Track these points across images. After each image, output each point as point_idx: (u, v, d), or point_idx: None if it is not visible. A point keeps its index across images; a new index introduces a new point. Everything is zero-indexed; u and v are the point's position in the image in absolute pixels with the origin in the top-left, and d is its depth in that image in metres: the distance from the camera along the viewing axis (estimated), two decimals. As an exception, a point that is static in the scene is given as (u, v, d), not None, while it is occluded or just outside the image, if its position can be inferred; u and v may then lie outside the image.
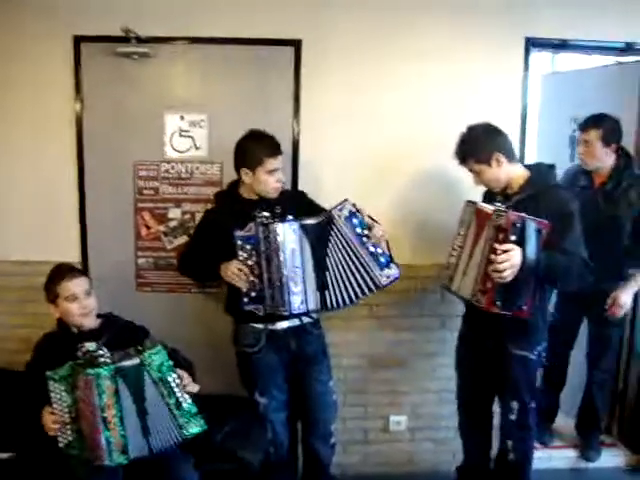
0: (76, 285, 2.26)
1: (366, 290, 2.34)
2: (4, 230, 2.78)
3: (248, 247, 2.27)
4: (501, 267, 2.11)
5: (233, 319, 2.51)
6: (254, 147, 2.35)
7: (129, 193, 2.77)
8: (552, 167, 2.42)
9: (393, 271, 2.33)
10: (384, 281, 2.33)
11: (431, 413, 3.00)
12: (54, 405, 2.04)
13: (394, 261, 2.34)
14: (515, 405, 2.42)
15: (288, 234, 2.26)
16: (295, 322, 2.44)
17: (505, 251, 2.11)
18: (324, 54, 2.72)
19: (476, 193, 2.52)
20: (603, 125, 2.75)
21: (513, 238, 2.11)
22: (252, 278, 2.29)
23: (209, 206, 2.72)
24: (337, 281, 2.33)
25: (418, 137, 2.79)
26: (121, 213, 2.78)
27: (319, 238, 2.31)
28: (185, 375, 2.18)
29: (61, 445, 2.05)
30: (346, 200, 2.33)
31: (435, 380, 2.96)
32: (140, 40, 2.63)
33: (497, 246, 2.13)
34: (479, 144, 2.32)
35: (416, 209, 2.84)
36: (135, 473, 2.09)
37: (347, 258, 2.32)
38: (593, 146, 2.78)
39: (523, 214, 2.13)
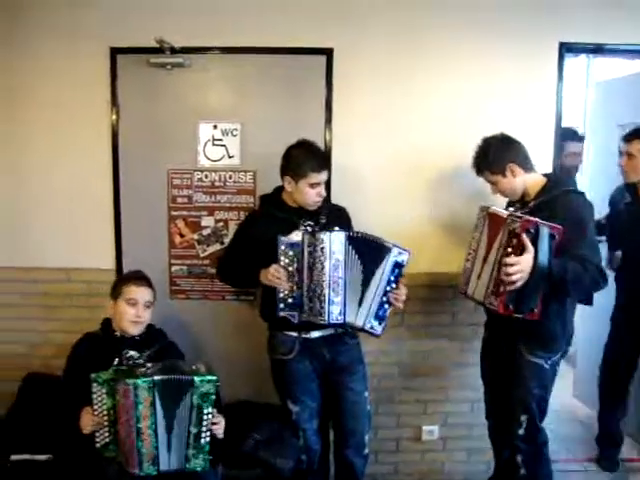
0: (141, 292, 2.31)
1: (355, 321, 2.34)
2: (41, 238, 2.83)
3: (291, 253, 2.28)
4: (511, 270, 2.09)
5: (268, 326, 2.52)
6: (302, 158, 2.36)
7: (163, 201, 2.80)
8: (571, 177, 2.40)
9: (379, 328, 2.34)
10: (366, 326, 2.32)
11: (464, 423, 2.97)
12: (95, 406, 2.08)
13: (384, 324, 2.34)
14: (524, 418, 2.38)
15: (335, 244, 2.26)
16: (329, 331, 2.43)
17: (517, 256, 2.10)
18: (356, 62, 2.73)
19: (502, 200, 2.51)
20: None
21: (527, 242, 2.09)
22: (290, 284, 2.30)
23: (242, 214, 2.76)
24: (369, 302, 2.34)
25: (449, 146, 2.77)
26: (155, 221, 2.82)
27: (372, 258, 2.31)
28: (218, 416, 2.17)
29: (98, 445, 2.08)
30: (408, 251, 2.33)
31: (468, 389, 2.92)
32: (174, 50, 2.67)
33: (509, 250, 2.13)
34: (493, 156, 2.34)
35: (448, 217, 2.83)
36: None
37: (374, 288, 2.33)
38: (637, 159, 2.73)
39: (537, 219, 2.12)
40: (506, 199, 2.51)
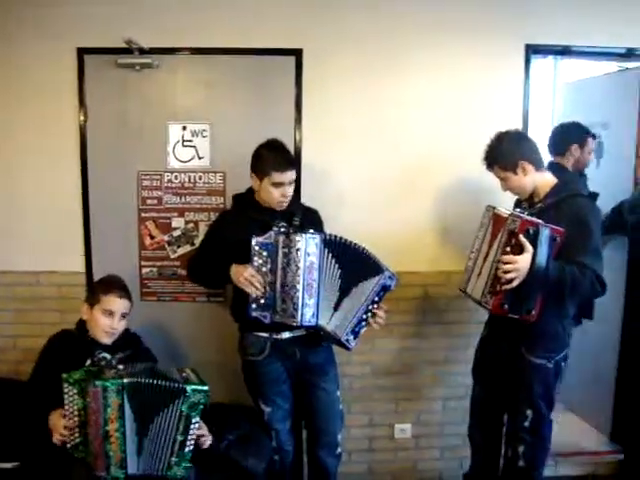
0: (119, 304, 2.27)
1: (335, 330, 2.34)
2: (9, 240, 2.79)
3: (264, 254, 2.27)
4: (506, 268, 2.12)
5: (238, 327, 2.51)
6: (267, 157, 2.35)
7: (133, 203, 2.78)
8: (582, 175, 2.40)
9: (351, 342, 2.33)
10: (342, 338, 2.31)
11: (436, 421, 2.99)
12: (66, 407, 2.03)
13: (357, 340, 2.34)
14: (529, 413, 2.39)
15: (310, 246, 2.26)
16: (300, 332, 2.43)
17: (514, 255, 2.12)
18: (325, 63, 2.74)
19: (486, 202, 2.51)
20: None
21: (525, 243, 2.11)
22: (263, 286, 2.29)
23: (212, 215, 2.76)
24: (346, 308, 2.34)
25: (417, 145, 2.81)
26: (125, 223, 2.79)
27: (351, 262, 2.32)
28: (205, 428, 2.16)
29: (69, 446, 2.05)
30: (396, 278, 2.34)
31: (440, 387, 2.95)
32: (142, 51, 2.65)
33: (507, 249, 2.15)
34: (506, 151, 2.32)
35: (413, 213, 2.86)
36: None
37: (355, 298, 2.33)
38: None
39: (538, 220, 2.14)
40: (514, 198, 2.51)
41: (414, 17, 2.75)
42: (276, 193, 2.35)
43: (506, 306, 2.18)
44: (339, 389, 2.58)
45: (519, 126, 2.79)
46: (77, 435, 2.04)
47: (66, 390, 2.03)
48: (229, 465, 2.41)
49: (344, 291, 2.33)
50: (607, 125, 3.24)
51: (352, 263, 2.32)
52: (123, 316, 2.29)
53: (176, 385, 2.03)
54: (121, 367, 2.10)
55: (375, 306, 2.33)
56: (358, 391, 2.94)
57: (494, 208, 2.36)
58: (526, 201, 2.40)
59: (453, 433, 2.92)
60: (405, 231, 2.84)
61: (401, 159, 2.81)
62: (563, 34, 2.77)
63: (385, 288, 2.33)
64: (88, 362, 2.21)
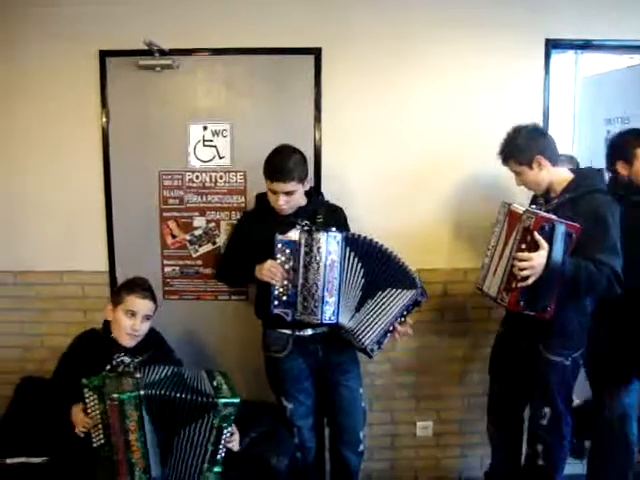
0: (142, 305, 2.27)
1: (356, 332, 2.35)
2: (33, 241, 2.84)
3: (287, 251, 2.29)
4: (522, 265, 2.11)
5: (262, 324, 2.53)
6: (266, 162, 2.39)
7: (155, 203, 2.81)
8: (600, 171, 2.39)
9: (375, 352, 2.36)
10: (367, 345, 2.33)
11: (458, 419, 2.99)
12: (88, 409, 2.05)
13: (380, 349, 2.37)
14: (547, 411, 2.38)
15: (331, 244, 2.27)
16: (323, 329, 2.44)
17: (530, 251, 2.11)
18: (344, 61, 2.74)
19: (502, 198, 2.50)
20: None
21: (540, 240, 2.10)
22: (285, 282, 2.31)
23: (234, 214, 2.79)
24: (370, 312, 2.34)
25: (435, 142, 2.80)
26: (147, 222, 2.82)
27: (377, 265, 2.32)
28: (236, 432, 2.14)
29: (95, 445, 2.06)
30: (427, 293, 2.38)
31: (461, 385, 2.94)
32: (163, 52, 2.68)
33: (523, 247, 2.14)
34: (522, 146, 2.31)
35: (434, 212, 2.86)
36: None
37: (379, 302, 2.34)
38: None
39: (553, 216, 2.12)
40: (531, 194, 2.50)
41: (432, 15, 2.74)
42: (272, 199, 2.39)
43: (522, 303, 2.17)
44: (362, 387, 2.58)
45: (539, 122, 2.77)
46: (102, 436, 2.06)
47: (86, 395, 2.04)
48: (252, 462, 2.41)
49: (367, 292, 2.33)
50: (627, 119, 3.21)
51: (379, 265, 2.32)
52: (147, 318, 2.28)
53: (205, 400, 1.98)
54: (138, 375, 2.05)
55: (402, 319, 2.34)
56: (379, 389, 2.94)
57: (509, 204, 2.34)
58: (542, 197, 2.38)
59: (474, 431, 2.91)
60: (422, 228, 2.84)
61: (419, 156, 2.81)
62: (583, 28, 2.74)
63: (416, 304, 2.35)
64: (108, 367, 2.21)
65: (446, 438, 3.01)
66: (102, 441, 2.06)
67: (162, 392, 1.96)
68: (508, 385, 2.53)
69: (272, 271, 2.29)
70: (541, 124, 2.78)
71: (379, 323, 2.32)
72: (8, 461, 2.37)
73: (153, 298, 2.33)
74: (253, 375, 2.69)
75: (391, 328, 2.33)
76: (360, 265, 2.32)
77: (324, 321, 2.31)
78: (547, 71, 2.77)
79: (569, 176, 2.34)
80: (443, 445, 3.01)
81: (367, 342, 2.32)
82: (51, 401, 2.24)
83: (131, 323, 2.24)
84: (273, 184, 2.33)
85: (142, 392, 1.95)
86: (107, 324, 2.32)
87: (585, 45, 2.78)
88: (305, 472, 2.58)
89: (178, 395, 1.97)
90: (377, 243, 2.32)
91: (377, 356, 2.82)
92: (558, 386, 2.36)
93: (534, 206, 2.31)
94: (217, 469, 2.07)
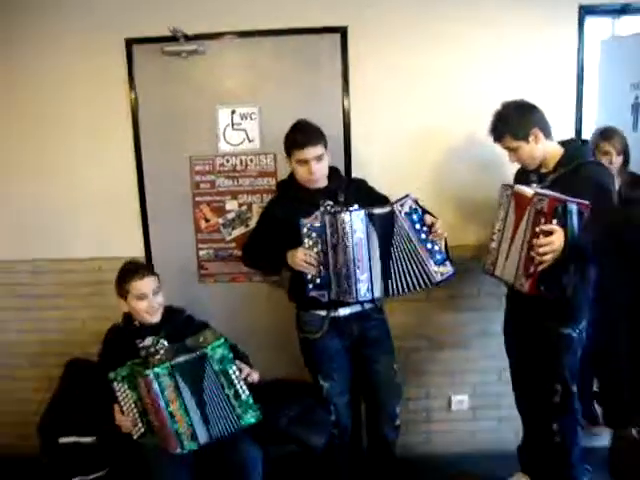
0: (146, 284, 2.35)
1: (422, 284, 2.36)
2: (70, 229, 2.92)
3: (314, 235, 2.31)
4: (542, 250, 2.09)
5: (296, 306, 2.57)
6: (289, 137, 2.41)
7: (187, 187, 2.85)
8: (585, 142, 2.38)
9: (448, 269, 2.36)
10: (438, 277, 2.35)
11: (493, 392, 3.00)
12: (122, 404, 2.17)
13: (450, 259, 2.36)
14: (558, 387, 2.38)
15: (356, 223, 2.28)
16: (357, 308, 2.47)
17: (547, 235, 2.08)
18: (370, 39, 2.71)
19: (511, 169, 2.50)
20: None
21: (555, 222, 2.07)
22: (318, 266, 2.33)
23: (265, 196, 2.80)
24: (398, 271, 2.35)
25: (470, 116, 2.73)
26: (180, 207, 2.87)
27: (385, 228, 2.33)
28: (244, 366, 2.26)
29: (135, 437, 2.18)
30: (407, 196, 2.34)
31: (495, 359, 2.93)
32: (188, 38, 2.68)
33: (538, 229, 2.11)
34: (517, 120, 2.28)
35: (460, 189, 2.83)
36: (203, 455, 2.22)
37: (406, 251, 2.34)
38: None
39: (564, 197, 2.09)
40: (515, 168, 2.49)
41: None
42: (302, 170, 2.38)
43: (542, 287, 2.15)
44: (396, 362, 2.61)
45: (573, 91, 2.73)
46: (140, 425, 2.17)
47: (117, 388, 2.16)
48: (290, 440, 2.49)
49: (385, 256, 2.33)
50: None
51: (384, 227, 2.32)
52: (156, 291, 2.38)
53: (197, 353, 2.15)
54: (162, 352, 2.22)
55: (424, 229, 2.33)
56: (415, 364, 2.98)
57: (513, 187, 2.31)
58: (534, 172, 2.36)
59: (509, 404, 2.90)
60: (455, 202, 2.83)
61: (452, 126, 2.77)
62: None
63: (410, 214, 2.33)
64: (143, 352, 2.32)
65: (482, 411, 3.04)
66: (142, 430, 2.17)
67: (181, 359, 2.13)
68: (522, 361, 2.55)
69: (306, 260, 2.31)
70: (575, 93, 2.73)
71: (416, 260, 2.33)
72: (61, 440, 2.50)
73: (151, 272, 2.44)
74: (289, 355, 2.73)
75: (429, 246, 2.33)
76: (377, 235, 2.32)
77: (360, 299, 2.34)
78: (581, 39, 2.69)
79: (560, 149, 2.32)
80: (479, 418, 3.04)
81: (435, 276, 2.34)
82: (98, 403, 2.33)
83: (146, 304, 2.35)
84: (304, 151, 2.34)
85: (173, 362, 2.11)
86: (127, 316, 2.42)
87: (622, 10, 2.67)
88: (342, 449, 2.63)
89: (185, 358, 2.14)
90: (381, 207, 2.33)
91: (412, 331, 2.91)
92: (568, 360, 2.36)
93: (534, 185, 2.27)
94: (253, 408, 2.19)
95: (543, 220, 2.10)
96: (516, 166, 2.50)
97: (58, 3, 2.74)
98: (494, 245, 2.40)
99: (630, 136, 3.00)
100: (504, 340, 2.64)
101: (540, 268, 2.12)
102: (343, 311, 2.47)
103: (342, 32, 2.70)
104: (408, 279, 2.35)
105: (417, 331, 2.94)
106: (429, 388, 3.03)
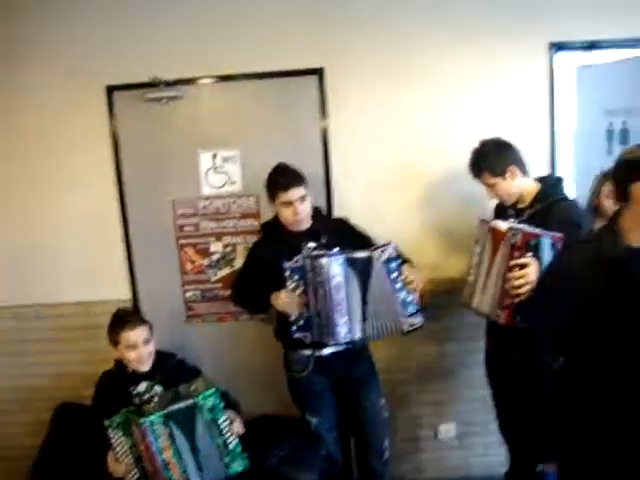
0: (136, 334, 2.39)
1: (391, 331, 2.42)
2: (57, 274, 2.94)
3: (296, 277, 2.36)
4: (517, 283, 2.14)
5: (282, 345, 2.61)
6: (271, 180, 2.46)
7: (171, 230, 2.89)
8: (560, 180, 2.45)
9: (417, 321, 2.41)
10: (406, 328, 2.41)
11: (478, 419, 3.04)
12: (117, 449, 2.20)
13: (422, 311, 2.41)
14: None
15: (334, 268, 2.33)
16: (341, 347, 2.51)
17: (522, 268, 2.14)
18: (346, 80, 2.76)
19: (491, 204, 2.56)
20: None
21: (529, 255, 2.13)
22: (300, 307, 2.38)
23: (249, 237, 2.85)
24: (371, 315, 2.41)
25: (444, 153, 2.81)
26: (166, 250, 2.90)
27: (363, 273, 2.38)
28: (234, 416, 2.30)
29: None
30: (389, 243, 2.39)
31: (479, 387, 2.96)
32: (168, 84, 2.72)
33: (513, 263, 2.16)
34: (494, 157, 2.37)
35: (443, 224, 2.89)
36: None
37: (380, 298, 2.39)
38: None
39: (537, 230, 2.16)
40: (494, 204, 2.56)
41: (431, 22, 2.74)
42: (287, 212, 2.43)
43: (518, 318, 2.20)
44: (382, 397, 2.65)
45: (546, 127, 2.80)
46: (135, 471, 2.19)
47: (111, 435, 2.18)
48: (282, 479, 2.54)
49: (363, 300, 2.39)
50: (631, 110, 3.15)
51: (363, 271, 2.37)
52: (147, 341, 2.41)
53: (189, 402, 2.17)
54: (156, 399, 2.27)
55: (400, 278, 2.38)
56: (401, 396, 3.02)
57: (489, 222, 2.38)
58: (511, 207, 2.44)
59: (495, 431, 2.96)
60: (436, 237, 2.89)
61: (427, 166, 2.83)
62: (587, 29, 2.71)
63: (389, 261, 2.37)
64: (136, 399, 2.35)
65: (469, 439, 3.09)
66: (137, 476, 2.19)
67: (174, 407, 2.16)
68: (502, 391, 2.61)
69: (287, 302, 2.36)
70: (547, 128, 2.80)
71: (389, 307, 2.38)
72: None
73: (142, 321, 2.45)
74: (277, 391, 2.77)
75: (402, 295, 2.38)
76: (357, 279, 2.37)
77: (339, 341, 2.40)
78: (551, 74, 2.76)
79: (537, 185, 2.40)
80: (466, 446, 3.09)
81: (400, 326, 2.40)
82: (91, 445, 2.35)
83: (135, 354, 2.38)
84: (288, 193, 2.40)
85: (167, 410, 2.13)
86: (119, 362, 2.45)
87: (590, 46, 2.75)
88: (335, 482, 2.69)
89: (178, 406, 2.17)
90: (360, 251, 2.38)
91: (397, 365, 2.94)
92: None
93: (512, 220, 2.34)
94: (240, 457, 2.23)
95: (517, 254, 2.16)
96: (496, 201, 2.56)
97: (40, 49, 2.78)
98: (472, 278, 2.45)
99: (604, 161, 3.07)
100: (485, 370, 2.69)
101: (516, 300, 2.17)
102: (327, 351, 2.51)
103: (319, 73, 2.75)
104: (379, 324, 2.41)
105: (402, 364, 2.98)
106: (416, 419, 3.07)
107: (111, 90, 2.77)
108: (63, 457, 2.63)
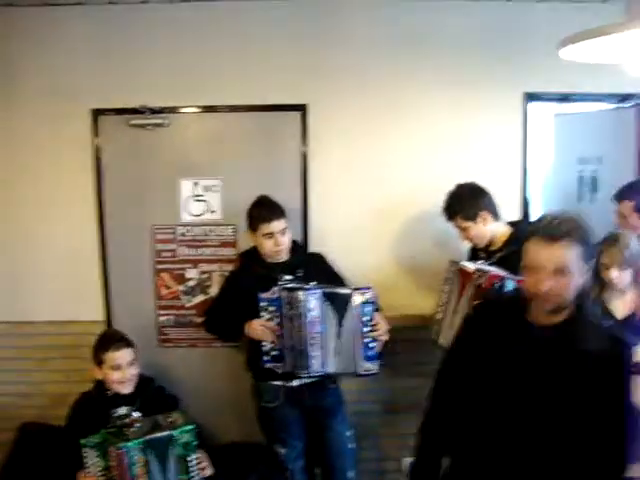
0: (121, 356, 2.38)
1: (345, 371, 2.47)
2: (33, 292, 2.94)
3: (271, 309, 2.41)
4: None
5: (252, 375, 2.64)
6: (253, 212, 2.52)
7: (148, 255, 2.91)
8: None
9: (373, 367, 2.44)
10: (360, 371, 2.44)
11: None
12: (89, 469, 2.17)
13: (379, 360, 2.45)
14: None
15: (311, 302, 2.38)
16: (311, 379, 2.55)
17: None
18: (329, 117, 2.85)
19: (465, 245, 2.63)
20: (636, 196, 2.66)
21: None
22: (273, 338, 2.42)
23: (225, 266, 2.88)
24: (339, 352, 2.45)
25: (420, 191, 2.89)
26: (142, 274, 2.92)
27: (340, 309, 2.43)
28: (204, 457, 2.28)
29: None
30: (369, 288, 2.43)
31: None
32: (154, 111, 2.76)
33: (476, 302, 2.22)
34: (467, 202, 2.46)
35: (418, 262, 2.96)
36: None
37: (349, 337, 2.43)
38: (629, 218, 2.70)
39: (502, 273, 2.24)
40: (468, 245, 2.64)
41: (412, 69, 2.84)
42: (269, 244, 2.48)
43: None
44: (349, 429, 2.69)
45: (519, 174, 2.91)
46: None
47: (86, 454, 2.15)
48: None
49: (338, 335, 2.43)
50: (601, 159, 3.30)
51: (339, 308, 2.42)
52: (131, 363, 2.41)
53: (167, 432, 2.15)
54: (138, 424, 2.21)
55: (370, 324, 2.42)
56: (367, 428, 3.05)
57: (457, 263, 2.46)
58: (483, 250, 2.52)
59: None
60: (409, 273, 2.96)
61: (405, 207, 2.92)
62: (561, 82, 2.83)
63: (365, 304, 2.42)
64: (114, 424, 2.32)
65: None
66: None
67: (153, 435, 2.13)
68: None
69: (262, 330, 2.40)
70: (520, 173, 2.91)
71: (355, 348, 2.42)
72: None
73: (128, 344, 2.45)
74: (244, 419, 2.80)
75: (366, 340, 2.42)
76: (333, 315, 2.42)
77: (312, 373, 2.44)
78: (525, 123, 2.87)
79: (508, 229, 2.50)
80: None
81: (356, 369, 2.43)
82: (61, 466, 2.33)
83: (119, 375, 2.37)
84: (270, 225, 2.45)
85: (146, 437, 2.12)
86: (99, 383, 2.44)
87: (563, 98, 2.87)
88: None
89: (156, 436, 2.13)
90: (338, 288, 2.44)
91: (365, 398, 2.98)
92: None
93: (480, 262, 2.43)
94: None
95: (482, 294, 2.23)
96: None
97: (26, 70, 2.80)
98: (440, 316, 2.54)
99: (575, 207, 3.20)
100: None
101: None
102: (297, 382, 2.55)
103: (302, 109, 2.82)
104: (339, 361, 2.44)
105: (370, 396, 3.03)
106: (381, 450, 3.11)
107: (96, 113, 2.80)
108: (25, 477, 2.61)
